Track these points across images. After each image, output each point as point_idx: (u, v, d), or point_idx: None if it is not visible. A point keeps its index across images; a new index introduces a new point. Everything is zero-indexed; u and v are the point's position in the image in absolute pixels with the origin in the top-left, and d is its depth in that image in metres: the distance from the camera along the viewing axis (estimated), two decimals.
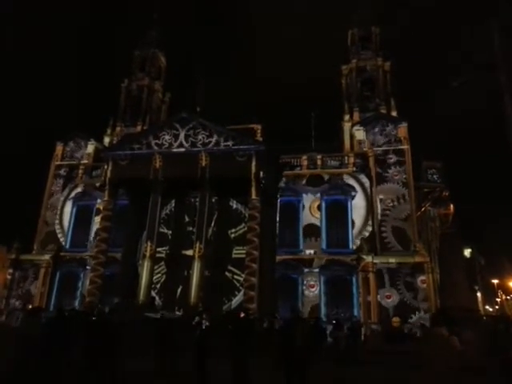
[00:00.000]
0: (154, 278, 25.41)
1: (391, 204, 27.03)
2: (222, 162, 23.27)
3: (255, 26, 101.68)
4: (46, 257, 30.06)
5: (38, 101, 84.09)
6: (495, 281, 59.63)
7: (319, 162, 28.69)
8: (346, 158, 28.75)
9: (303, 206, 28.09)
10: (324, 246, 27.24)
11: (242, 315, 10.16)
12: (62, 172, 33.32)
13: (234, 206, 28.15)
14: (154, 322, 10.84)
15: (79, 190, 32.38)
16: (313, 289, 26.25)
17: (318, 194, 28.12)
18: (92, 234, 30.36)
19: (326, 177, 28.34)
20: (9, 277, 30.44)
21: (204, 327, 9.19)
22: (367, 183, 27.73)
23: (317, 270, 26.52)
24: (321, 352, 13.82)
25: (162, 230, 26.59)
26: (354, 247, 26.51)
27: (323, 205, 28.03)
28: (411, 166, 27.74)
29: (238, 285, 25.94)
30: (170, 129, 24.92)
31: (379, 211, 27.00)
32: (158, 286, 27.40)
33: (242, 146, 23.42)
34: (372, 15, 35.70)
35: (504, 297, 61.73)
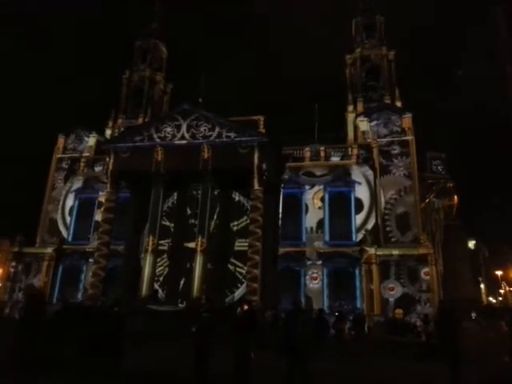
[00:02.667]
0: (157, 270, 25.43)
1: (395, 195, 26.83)
2: (224, 154, 23.11)
3: (258, 16, 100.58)
4: (49, 250, 30.12)
5: (39, 93, 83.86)
6: (499, 272, 59.57)
7: (322, 154, 28.45)
8: (350, 149, 28.48)
9: (306, 198, 27.92)
10: (327, 238, 27.11)
11: (246, 307, 10.04)
12: (64, 165, 33.26)
13: (237, 199, 28.02)
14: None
15: (81, 182, 32.33)
16: (315, 281, 26.19)
17: (322, 186, 27.91)
18: (94, 227, 30.34)
19: (330, 168, 28.11)
20: (12, 270, 30.56)
21: (205, 319, 9.10)
22: (371, 175, 27.50)
23: (320, 262, 26.43)
24: (323, 343, 13.77)
25: (164, 222, 26.54)
26: (358, 239, 26.38)
27: (326, 197, 27.84)
28: (415, 157, 27.47)
29: (240, 277, 25.92)
30: (172, 121, 24.73)
31: (383, 203, 26.81)
32: (161, 278, 27.43)
33: (244, 138, 23.23)
34: (376, 3, 35.19)
35: (507, 288, 61.69)
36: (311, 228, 27.37)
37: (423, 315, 21.51)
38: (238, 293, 25.92)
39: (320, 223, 27.34)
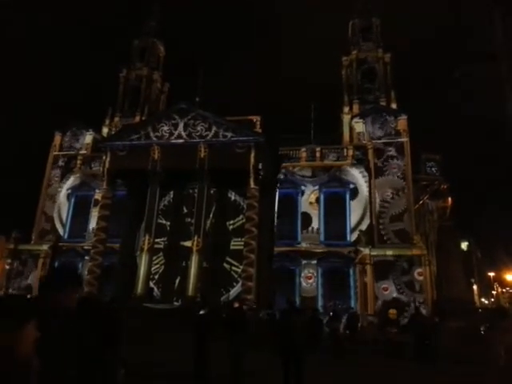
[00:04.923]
0: (153, 268, 25.49)
1: (389, 197, 27.08)
2: (220, 154, 23.22)
3: (256, 16, 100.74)
4: (45, 247, 30.08)
5: (37, 91, 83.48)
6: (491, 273, 60.07)
7: (318, 154, 28.66)
8: (345, 150, 28.71)
9: (302, 198, 28.11)
10: (322, 237, 27.33)
11: (237, 305, 10.21)
12: (61, 162, 33.20)
13: (233, 198, 28.16)
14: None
15: (77, 180, 32.30)
16: (310, 280, 26.39)
17: (317, 186, 28.13)
18: (90, 225, 30.33)
19: (325, 169, 28.32)
20: (7, 267, 30.47)
21: (204, 317, 9.19)
22: (366, 176, 27.73)
23: (314, 261, 26.63)
24: (318, 342, 13.94)
25: (160, 220, 26.60)
26: (352, 239, 26.61)
27: (322, 197, 28.06)
28: (410, 159, 27.74)
29: (235, 276, 26.06)
30: (169, 119, 24.80)
31: (377, 204, 27.05)
32: (157, 276, 27.50)
33: (241, 138, 23.36)
34: (373, 6, 35.39)
35: (500, 289, 62.27)
36: (306, 228, 27.57)
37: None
38: (234, 291, 26.07)
39: (315, 223, 27.54)
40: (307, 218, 27.75)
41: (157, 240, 24.97)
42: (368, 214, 26.99)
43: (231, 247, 26.72)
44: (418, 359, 12.19)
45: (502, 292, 62.50)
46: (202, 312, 9.16)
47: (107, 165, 25.11)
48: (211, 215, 26.42)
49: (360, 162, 28.05)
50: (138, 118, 35.10)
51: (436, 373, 10.65)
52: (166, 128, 24.60)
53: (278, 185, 27.94)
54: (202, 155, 23.46)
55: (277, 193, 27.80)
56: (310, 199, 28.08)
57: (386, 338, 16.04)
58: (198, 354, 8.65)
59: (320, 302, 25.62)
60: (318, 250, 26.86)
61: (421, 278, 24.46)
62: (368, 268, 24.99)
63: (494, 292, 63.52)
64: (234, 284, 26.20)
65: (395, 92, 31.95)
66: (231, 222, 27.57)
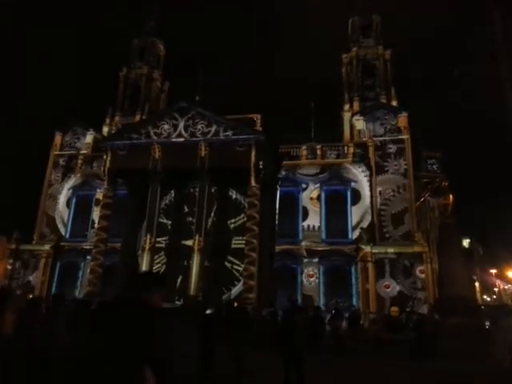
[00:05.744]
0: (154, 268, 25.49)
1: (391, 194, 27.03)
2: (221, 152, 23.18)
3: (255, 17, 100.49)
4: (46, 247, 30.12)
5: (37, 90, 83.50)
6: (493, 270, 59.92)
7: (319, 152, 28.61)
8: (346, 147, 28.64)
9: (303, 196, 28.07)
10: (323, 235, 27.30)
11: (236, 304, 10.21)
12: (61, 162, 33.22)
13: (234, 197, 28.13)
14: None
15: (79, 180, 32.31)
16: (312, 278, 26.37)
17: (318, 184, 28.08)
18: (91, 224, 30.34)
19: (326, 167, 28.27)
20: (9, 267, 30.52)
21: (208, 316, 9.16)
22: (367, 173, 27.68)
23: (316, 259, 26.61)
24: (320, 340, 13.92)
25: (161, 220, 26.60)
26: (354, 237, 26.57)
27: (323, 195, 28.02)
28: (411, 156, 27.67)
29: (237, 275, 26.06)
30: (169, 118, 24.75)
31: (378, 201, 27.01)
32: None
33: (241, 136, 23.30)
34: (373, 4, 35.24)
35: (502, 286, 62.15)
36: (307, 226, 27.54)
37: (418, 313, 21.76)
38: (235, 290, 26.10)
39: (316, 221, 27.50)
40: (308, 216, 27.71)
41: (158, 239, 24.96)
42: (369, 211, 26.95)
43: (232, 246, 26.71)
44: (418, 357, 12.18)
45: (504, 289, 62.39)
46: (208, 311, 9.14)
47: (108, 164, 25.11)
48: (212, 214, 26.40)
49: (361, 159, 28.00)
50: (138, 117, 35.10)
51: (436, 371, 10.63)
52: (166, 127, 24.57)
53: (279, 183, 27.91)
54: (203, 154, 23.42)
55: (278, 191, 27.77)
56: (311, 197, 28.03)
57: (381, 336, 16.04)
58: (203, 354, 8.60)
59: (322, 301, 25.60)
60: (320, 248, 26.84)
61: (422, 275, 24.43)
62: (370, 266, 24.97)
63: (496, 289, 63.38)
64: (236, 283, 26.20)
65: (395, 89, 31.85)
66: (232, 220, 27.55)
